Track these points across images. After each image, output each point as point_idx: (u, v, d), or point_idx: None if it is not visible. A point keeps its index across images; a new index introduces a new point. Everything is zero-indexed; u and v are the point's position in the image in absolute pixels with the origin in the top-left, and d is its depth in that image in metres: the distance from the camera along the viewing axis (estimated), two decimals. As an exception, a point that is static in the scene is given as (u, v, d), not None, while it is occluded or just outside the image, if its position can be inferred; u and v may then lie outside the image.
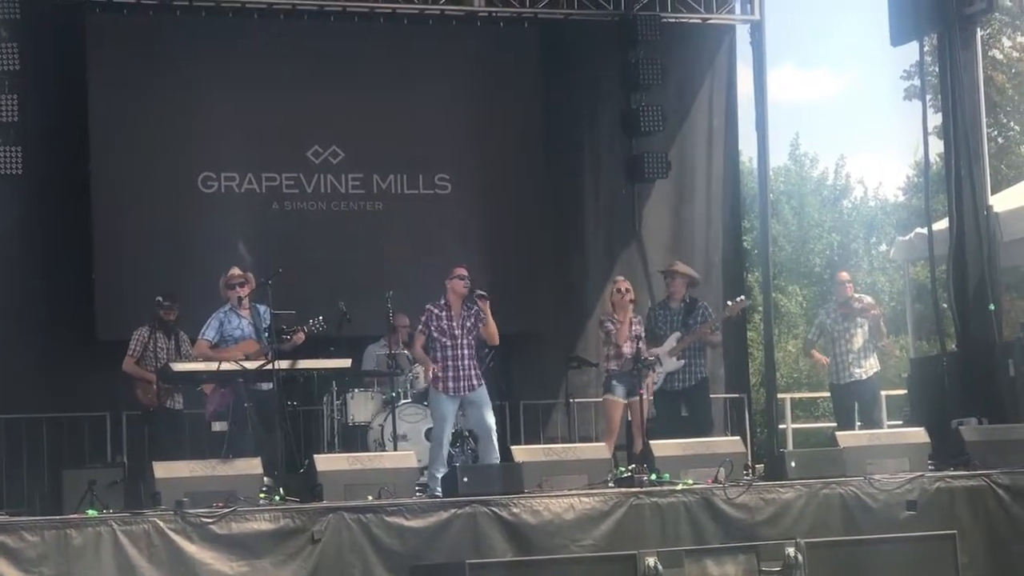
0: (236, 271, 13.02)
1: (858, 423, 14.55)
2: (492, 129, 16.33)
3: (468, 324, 12.61)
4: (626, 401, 13.30)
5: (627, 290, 13.50)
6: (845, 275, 15.01)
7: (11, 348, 14.35)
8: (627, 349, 13.29)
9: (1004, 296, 15.25)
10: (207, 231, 15.19)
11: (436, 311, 12.61)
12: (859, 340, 14.32)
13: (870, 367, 14.38)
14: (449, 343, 12.52)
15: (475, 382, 12.57)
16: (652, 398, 13.48)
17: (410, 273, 15.33)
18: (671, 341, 13.88)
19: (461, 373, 12.51)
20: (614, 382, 13.41)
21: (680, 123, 17.06)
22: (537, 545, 10.45)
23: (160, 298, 13.39)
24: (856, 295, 14.69)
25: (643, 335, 13.44)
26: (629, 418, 13.43)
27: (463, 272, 12.65)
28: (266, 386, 12.19)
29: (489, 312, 12.61)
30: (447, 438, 12.57)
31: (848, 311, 14.41)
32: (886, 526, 11.11)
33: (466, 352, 12.56)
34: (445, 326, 12.56)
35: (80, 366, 14.41)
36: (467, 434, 13.59)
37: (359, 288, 14.81)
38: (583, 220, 16.73)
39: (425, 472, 12.40)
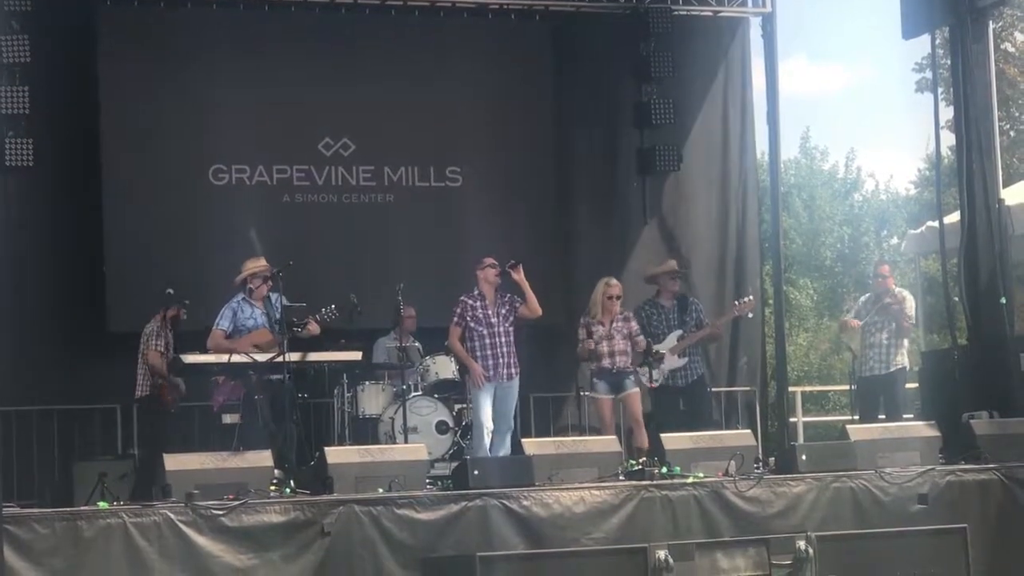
0: (264, 264, 12.85)
1: (881, 416, 14.48)
2: (503, 122, 16.32)
3: (503, 311, 12.74)
4: (611, 397, 13.31)
5: (614, 293, 13.49)
6: (886, 268, 14.80)
7: (22, 340, 14.36)
8: (605, 348, 13.27)
9: (1015, 289, 15.17)
10: (218, 223, 15.22)
11: (471, 302, 12.72)
12: (886, 335, 14.23)
13: (895, 363, 14.30)
14: (487, 332, 12.66)
15: (512, 370, 12.75)
16: (651, 386, 13.49)
17: (421, 266, 15.35)
18: (671, 339, 13.88)
19: (500, 360, 12.69)
20: (595, 379, 13.47)
21: (692, 116, 17.02)
22: (548, 538, 10.44)
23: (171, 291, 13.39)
24: (894, 289, 14.55)
25: (636, 331, 13.39)
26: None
27: (494, 261, 12.73)
28: (276, 377, 12.18)
29: (524, 280, 12.65)
30: (488, 425, 12.62)
31: (881, 305, 14.33)
32: (897, 520, 11.10)
33: (503, 340, 12.72)
34: (481, 315, 12.67)
35: (91, 358, 14.44)
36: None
37: (370, 280, 14.84)
38: (594, 213, 16.70)
39: (436, 465, 12.39)
